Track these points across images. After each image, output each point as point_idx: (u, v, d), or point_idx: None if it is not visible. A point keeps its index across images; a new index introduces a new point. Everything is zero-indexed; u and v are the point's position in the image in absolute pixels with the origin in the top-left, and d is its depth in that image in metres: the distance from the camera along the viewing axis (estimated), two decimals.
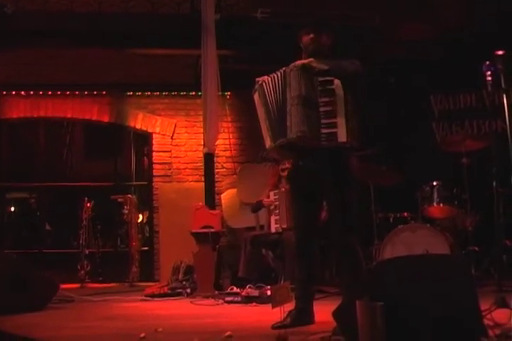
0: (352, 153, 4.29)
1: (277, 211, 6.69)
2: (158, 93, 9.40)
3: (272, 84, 4.24)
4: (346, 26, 7.73)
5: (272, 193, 6.85)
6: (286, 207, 6.48)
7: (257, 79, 4.39)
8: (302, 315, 4.19)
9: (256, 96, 4.39)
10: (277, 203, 6.70)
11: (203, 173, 8.14)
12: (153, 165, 9.30)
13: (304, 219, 4.37)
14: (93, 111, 9.28)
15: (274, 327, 3.93)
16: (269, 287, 5.61)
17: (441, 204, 6.80)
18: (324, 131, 4.04)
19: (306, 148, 4.16)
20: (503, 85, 4.32)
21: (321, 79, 4.12)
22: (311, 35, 4.35)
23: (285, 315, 4.00)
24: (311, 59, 4.18)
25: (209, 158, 7.80)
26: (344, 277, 4.35)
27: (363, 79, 4.21)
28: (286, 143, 4.15)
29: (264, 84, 4.29)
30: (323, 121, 4.05)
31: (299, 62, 4.18)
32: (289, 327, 3.95)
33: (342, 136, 4.03)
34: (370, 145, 7.04)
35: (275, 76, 4.24)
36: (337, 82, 4.10)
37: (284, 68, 4.23)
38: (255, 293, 5.75)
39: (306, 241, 4.35)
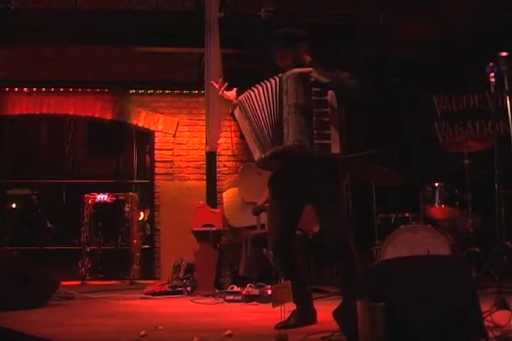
0: (342, 161, 4.25)
1: None
2: (161, 91, 9.39)
3: (265, 92, 4.15)
4: (350, 25, 7.74)
5: None
6: None
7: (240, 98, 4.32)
8: (305, 315, 4.20)
9: (237, 112, 4.31)
10: None
11: (204, 172, 8.14)
12: (155, 163, 9.29)
13: (282, 225, 4.30)
14: (95, 108, 9.27)
15: (278, 327, 3.92)
16: (269, 286, 5.62)
17: (443, 205, 6.80)
18: (317, 141, 3.98)
19: (298, 158, 4.09)
20: (506, 87, 4.32)
21: (315, 89, 4.06)
22: (280, 54, 4.31)
23: (288, 315, 4.00)
24: (310, 69, 4.11)
25: (211, 157, 7.80)
26: (341, 282, 4.34)
27: (359, 97, 4.17)
28: (281, 151, 4.06)
29: (251, 94, 4.20)
30: (316, 131, 3.99)
31: (296, 70, 4.11)
32: (293, 328, 3.95)
33: (335, 148, 4.00)
34: (371, 145, 7.07)
35: (268, 83, 4.16)
36: (331, 93, 4.06)
37: (280, 75, 4.15)
38: (256, 292, 5.76)
39: (283, 246, 4.30)
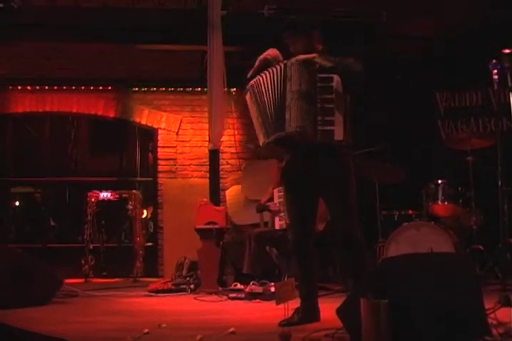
0: (349, 150, 4.26)
1: (282, 214, 6.62)
2: (163, 89, 9.41)
3: (271, 78, 4.16)
4: (353, 22, 7.73)
5: (276, 190, 6.83)
6: None
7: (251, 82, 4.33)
8: (309, 313, 4.19)
9: (248, 97, 4.32)
10: (282, 200, 6.67)
11: (207, 169, 8.14)
12: (158, 161, 9.31)
13: (299, 217, 4.33)
14: (99, 106, 9.30)
15: (281, 324, 3.92)
16: (272, 284, 5.62)
17: (446, 202, 6.79)
18: (320, 128, 3.98)
19: (302, 144, 4.12)
20: (509, 84, 4.32)
21: (321, 75, 4.06)
22: (293, 39, 4.31)
23: (291, 312, 4.00)
24: (314, 54, 4.12)
25: (214, 154, 7.80)
26: (349, 272, 4.34)
27: (364, 81, 4.16)
28: (283, 137, 4.08)
29: (260, 79, 4.21)
30: (320, 117, 3.99)
31: (301, 57, 4.12)
32: (296, 325, 3.95)
33: (339, 135, 3.98)
34: (375, 142, 7.06)
35: (274, 69, 4.16)
36: (337, 79, 4.06)
37: (285, 61, 4.17)
38: (259, 289, 5.75)
39: (302, 239, 4.33)
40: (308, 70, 4.07)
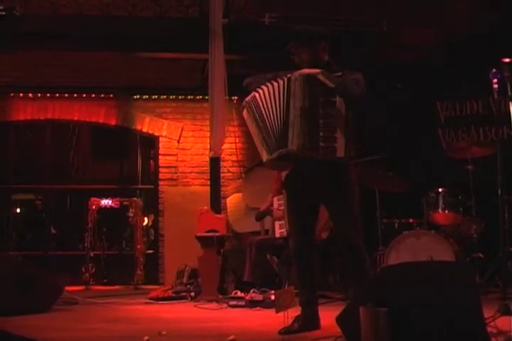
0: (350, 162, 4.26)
1: (282, 222, 6.61)
2: (165, 97, 9.42)
3: (273, 93, 4.09)
4: (353, 31, 7.75)
5: (275, 198, 6.82)
6: None
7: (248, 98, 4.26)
8: (309, 321, 4.19)
9: (245, 113, 4.26)
10: (282, 208, 6.68)
11: (208, 177, 8.14)
12: (159, 169, 9.32)
13: (300, 225, 4.35)
14: (100, 114, 9.31)
15: (281, 332, 3.92)
16: (273, 291, 5.62)
17: (447, 211, 6.79)
18: (322, 144, 3.95)
19: (306, 160, 4.10)
20: (509, 93, 4.34)
21: (324, 88, 4.02)
22: (297, 50, 4.27)
23: (291, 320, 4.00)
24: (318, 70, 4.06)
25: (215, 162, 7.81)
26: (352, 279, 4.36)
27: (366, 102, 4.15)
28: (285, 154, 4.05)
29: (259, 94, 4.14)
30: (322, 133, 3.96)
31: (305, 71, 4.08)
32: (296, 333, 3.95)
33: (340, 152, 3.97)
34: (375, 151, 7.07)
35: (276, 84, 4.10)
36: None
37: (288, 75, 4.10)
38: (259, 297, 5.76)
39: (303, 246, 4.34)
40: (311, 85, 4.02)
